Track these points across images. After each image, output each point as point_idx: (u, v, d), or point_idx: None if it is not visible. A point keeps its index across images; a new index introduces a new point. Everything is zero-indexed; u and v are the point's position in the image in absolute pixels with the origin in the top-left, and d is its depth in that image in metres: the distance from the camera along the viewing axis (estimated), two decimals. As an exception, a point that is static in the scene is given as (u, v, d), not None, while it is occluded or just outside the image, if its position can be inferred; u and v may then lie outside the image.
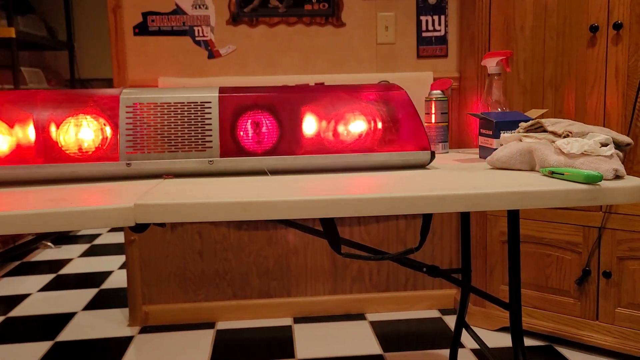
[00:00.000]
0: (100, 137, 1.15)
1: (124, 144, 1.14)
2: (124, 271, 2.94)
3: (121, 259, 3.19)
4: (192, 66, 2.15)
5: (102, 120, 1.15)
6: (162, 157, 1.15)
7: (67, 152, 1.13)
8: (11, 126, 1.12)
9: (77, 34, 4.76)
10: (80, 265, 3.09)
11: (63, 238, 3.70)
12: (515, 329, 1.13)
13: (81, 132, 1.14)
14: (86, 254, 3.33)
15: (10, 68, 3.79)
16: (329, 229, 0.99)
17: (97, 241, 3.63)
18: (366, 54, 2.23)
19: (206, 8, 2.12)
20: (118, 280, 2.80)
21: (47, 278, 2.86)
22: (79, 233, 3.84)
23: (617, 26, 1.72)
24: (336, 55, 2.21)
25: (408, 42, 2.24)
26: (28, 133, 1.12)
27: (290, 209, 0.89)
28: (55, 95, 1.16)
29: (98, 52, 4.80)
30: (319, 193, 0.91)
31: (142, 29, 2.11)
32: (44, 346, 2.04)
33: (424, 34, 2.23)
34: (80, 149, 1.14)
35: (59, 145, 1.13)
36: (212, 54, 2.16)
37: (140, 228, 1.00)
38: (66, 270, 3.00)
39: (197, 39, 2.14)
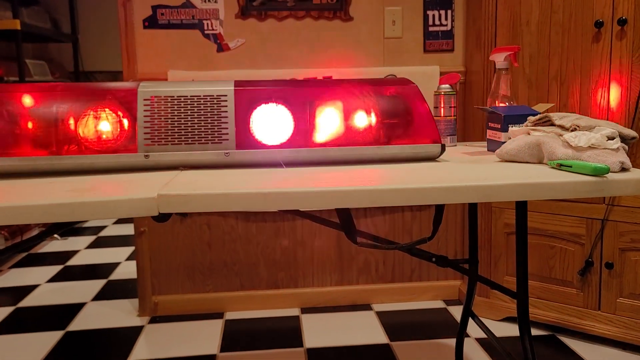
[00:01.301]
0: (119, 129, 1.17)
1: (142, 136, 1.17)
2: (131, 263, 2.97)
3: (127, 250, 3.22)
4: (201, 59, 2.18)
5: (120, 113, 1.18)
6: (179, 149, 1.18)
7: (87, 143, 1.16)
8: (32, 118, 1.15)
9: (81, 26, 4.78)
10: (87, 256, 3.12)
11: (69, 230, 3.73)
12: (522, 316, 1.16)
13: (100, 124, 1.17)
14: (92, 245, 3.36)
15: (15, 60, 3.81)
16: (345, 219, 1.02)
17: (103, 233, 3.66)
18: (373, 48, 2.25)
19: (215, 2, 2.14)
20: (125, 271, 2.83)
21: (55, 269, 2.90)
22: (85, 225, 3.87)
23: (622, 22, 1.74)
24: (344, 49, 2.24)
25: (415, 36, 2.26)
26: (48, 125, 1.15)
27: (308, 199, 0.92)
28: (74, 88, 1.18)
29: (102, 45, 4.81)
30: (334, 184, 0.94)
31: (151, 22, 2.13)
32: (56, 335, 2.08)
33: (431, 29, 2.25)
34: (99, 140, 1.16)
35: (79, 137, 1.16)
36: (221, 48, 2.18)
37: (162, 218, 1.03)
38: (73, 261, 3.04)
39: (206, 32, 2.16)
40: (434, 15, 2.26)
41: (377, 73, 2.22)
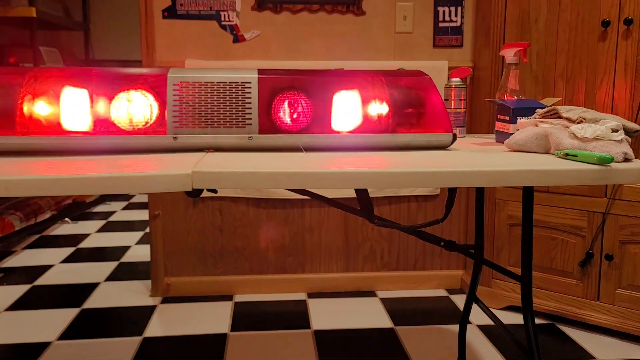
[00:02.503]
0: (149, 112, 1.24)
1: (171, 119, 1.24)
2: (141, 246, 3.05)
3: (137, 235, 3.29)
4: (217, 49, 2.24)
5: (150, 97, 1.25)
6: (205, 132, 1.24)
7: (119, 125, 1.23)
8: (68, 100, 1.22)
9: (92, 15, 4.83)
10: (98, 240, 3.20)
11: (79, 214, 3.80)
12: (526, 297, 1.23)
13: (132, 107, 1.24)
14: (102, 229, 3.43)
15: (28, 47, 3.87)
16: (363, 199, 1.09)
17: (112, 218, 3.73)
18: (384, 42, 2.31)
19: (233, -6, 2.20)
20: (136, 254, 2.90)
21: (68, 251, 2.97)
22: (94, 210, 3.94)
23: (628, 22, 1.81)
24: (355, 42, 2.30)
25: (425, 31, 2.32)
26: (84, 107, 1.22)
27: (331, 179, 0.98)
28: (108, 73, 1.25)
29: (112, 34, 4.87)
30: (352, 167, 1.01)
31: (170, 13, 2.19)
32: (73, 312, 2.16)
33: (441, 24, 2.32)
34: (130, 123, 1.23)
35: (111, 119, 1.23)
36: (237, 38, 2.25)
37: (195, 193, 1.10)
38: (85, 244, 3.11)
39: (223, 23, 2.23)
40: (444, 12, 2.32)
41: (387, 67, 2.29)
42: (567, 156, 1.09)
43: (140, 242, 3.15)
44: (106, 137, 1.20)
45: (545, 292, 2.10)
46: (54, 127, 1.21)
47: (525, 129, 1.24)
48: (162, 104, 1.24)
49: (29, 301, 2.28)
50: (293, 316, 2.15)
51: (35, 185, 0.92)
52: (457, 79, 1.58)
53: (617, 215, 1.92)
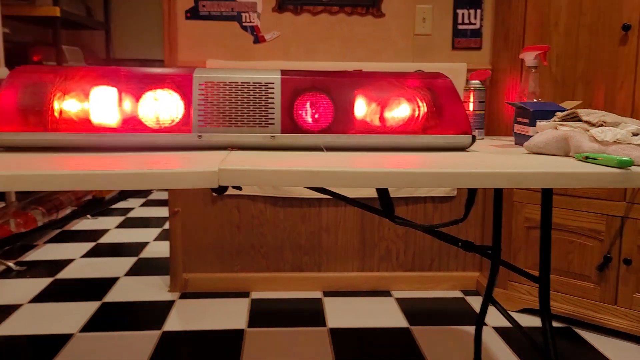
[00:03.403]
0: (175, 111, 1.27)
1: (196, 118, 1.27)
2: (160, 242, 3.09)
3: (155, 231, 3.34)
4: (238, 50, 2.27)
5: (176, 96, 1.28)
6: (229, 131, 1.27)
7: (146, 123, 1.26)
8: (97, 98, 1.25)
9: (113, 15, 4.90)
10: (117, 235, 3.25)
11: (98, 210, 3.86)
12: (544, 298, 1.24)
13: (158, 106, 1.27)
14: (121, 225, 3.49)
15: (51, 46, 3.94)
16: (384, 198, 1.11)
17: (130, 214, 3.79)
18: (403, 44, 2.33)
19: (254, -5, 2.23)
20: (155, 250, 2.95)
21: (88, 246, 3.02)
22: (113, 206, 4.00)
23: (649, 26, 1.81)
24: (374, 44, 2.32)
25: (444, 33, 2.33)
26: (112, 105, 1.25)
27: (353, 178, 1.01)
28: (136, 73, 1.28)
29: (132, 33, 4.94)
30: (374, 167, 1.03)
31: (193, 13, 2.23)
32: (94, 305, 2.20)
33: (460, 27, 2.33)
34: (157, 121, 1.26)
35: (139, 117, 1.26)
36: (258, 39, 2.28)
37: (220, 190, 1.13)
38: (104, 239, 3.17)
39: (244, 24, 2.26)
40: (463, 14, 2.33)
41: (406, 68, 2.30)
42: (587, 159, 1.10)
43: (158, 238, 3.20)
44: (133, 135, 1.24)
45: (562, 296, 2.10)
46: (83, 124, 1.24)
47: (545, 131, 1.25)
48: (188, 103, 1.28)
49: (52, 294, 2.33)
50: (309, 314, 2.18)
51: (68, 180, 0.95)
52: (477, 81, 1.59)
53: (635, 219, 1.91)
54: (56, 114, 1.24)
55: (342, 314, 2.19)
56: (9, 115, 1.23)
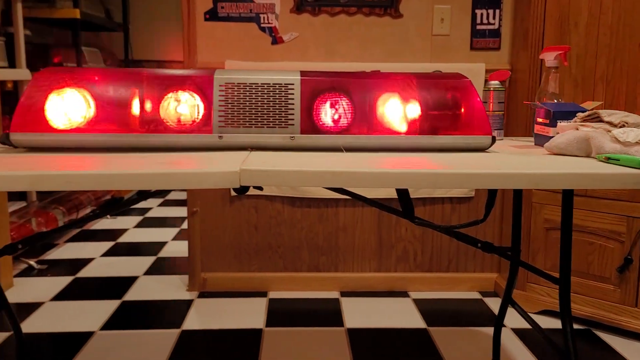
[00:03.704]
0: (196, 112, 1.29)
1: (217, 119, 1.28)
2: (177, 242, 3.12)
3: (173, 231, 3.37)
4: (256, 51, 2.29)
5: (197, 97, 1.29)
6: (249, 131, 1.28)
7: (168, 124, 1.28)
8: (120, 100, 1.27)
9: (132, 16, 4.95)
10: (135, 235, 3.29)
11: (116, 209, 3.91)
12: (564, 299, 1.23)
13: (179, 107, 1.29)
14: (140, 225, 3.52)
15: (70, 47, 4.00)
16: (404, 199, 1.12)
17: (149, 214, 3.82)
18: (421, 44, 2.33)
19: (272, -4, 2.25)
20: (173, 250, 2.98)
21: (107, 245, 3.06)
22: (132, 206, 4.04)
23: (672, 25, 1.79)
24: (392, 44, 2.32)
25: (462, 34, 2.33)
26: (135, 106, 1.27)
27: (374, 179, 1.01)
28: (157, 74, 1.30)
29: (151, 35, 4.98)
30: (394, 168, 1.03)
31: (212, 15, 2.25)
32: (114, 304, 2.23)
33: (478, 27, 2.32)
34: (178, 122, 1.28)
35: (160, 117, 1.28)
36: (276, 40, 2.29)
37: (242, 190, 1.14)
38: (123, 239, 3.20)
39: (262, 25, 2.27)
40: (482, 14, 2.32)
41: (424, 69, 2.30)
42: (608, 160, 1.09)
43: (176, 238, 3.23)
44: (155, 135, 1.25)
45: (581, 297, 2.08)
46: (106, 125, 1.26)
47: (566, 132, 1.24)
48: (208, 104, 1.29)
49: (72, 292, 2.36)
50: (326, 314, 2.18)
51: (92, 180, 0.97)
52: (496, 81, 1.58)
53: (657, 220, 1.89)
54: (79, 115, 1.26)
55: (360, 314, 2.19)
56: (33, 116, 1.25)
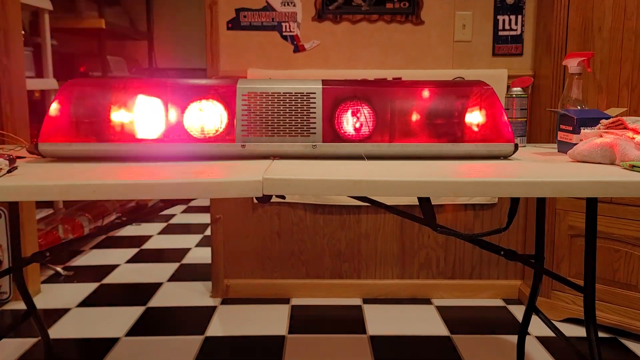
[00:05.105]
0: (219, 121, 1.31)
1: (240, 128, 1.30)
2: (201, 249, 3.15)
3: (196, 237, 3.41)
4: (278, 59, 2.31)
5: (220, 107, 1.31)
6: (272, 140, 1.30)
7: (191, 133, 1.30)
8: (144, 109, 1.30)
9: (156, 25, 5.03)
10: (159, 241, 3.33)
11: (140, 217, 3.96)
12: (589, 307, 1.22)
13: (203, 116, 1.31)
14: (164, 232, 3.57)
15: (97, 56, 4.08)
16: (426, 207, 1.12)
17: (172, 221, 3.87)
18: (443, 51, 2.32)
19: (294, 5, 2.27)
20: (196, 256, 3.01)
21: (132, 252, 3.11)
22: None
23: (699, 29, 1.76)
24: (414, 51, 2.32)
25: (484, 40, 2.32)
26: (159, 116, 1.29)
27: (396, 188, 1.01)
28: (181, 84, 1.33)
29: (174, 44, 5.06)
30: (416, 176, 1.04)
31: (234, 24, 2.28)
32: (139, 310, 2.26)
33: (501, 33, 2.31)
34: (202, 131, 1.30)
35: (184, 127, 1.30)
36: (298, 48, 2.31)
37: (265, 198, 1.15)
38: (147, 245, 3.25)
39: (284, 34, 2.29)
40: (504, 20, 2.31)
41: (446, 75, 2.29)
42: (633, 168, 1.08)
43: (200, 244, 3.26)
44: (179, 145, 1.27)
45: (607, 305, 2.05)
46: (131, 134, 1.29)
47: (589, 139, 1.23)
48: (231, 113, 1.31)
49: (98, 298, 2.40)
50: (349, 321, 2.19)
51: (119, 189, 0.99)
52: (519, 88, 1.58)
53: (685, 228, 1.86)
54: (106, 125, 1.29)
55: (382, 321, 2.18)
56: (61, 127, 1.28)
